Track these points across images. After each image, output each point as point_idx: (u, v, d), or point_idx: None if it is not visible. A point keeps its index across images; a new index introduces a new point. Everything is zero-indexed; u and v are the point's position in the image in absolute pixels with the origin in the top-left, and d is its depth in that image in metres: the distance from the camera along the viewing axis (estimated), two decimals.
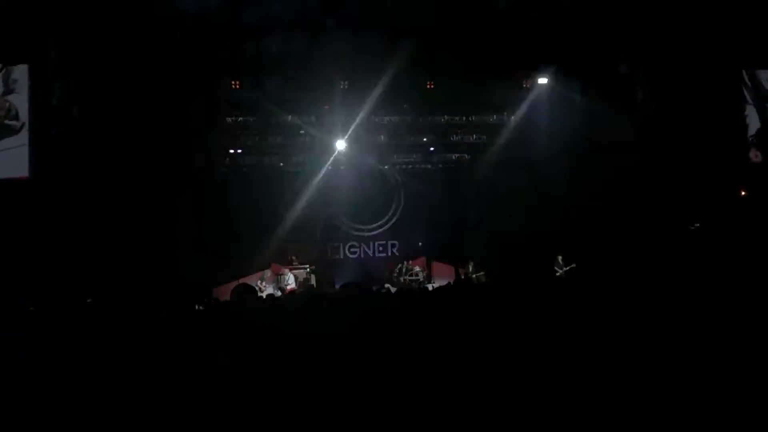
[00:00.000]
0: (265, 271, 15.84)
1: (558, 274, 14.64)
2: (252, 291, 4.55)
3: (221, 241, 16.22)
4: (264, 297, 8.70)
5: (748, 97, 13.21)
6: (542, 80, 14.98)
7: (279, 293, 14.62)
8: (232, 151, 16.52)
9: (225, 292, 11.83)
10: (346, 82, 14.40)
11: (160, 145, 13.84)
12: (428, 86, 15.18)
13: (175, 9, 13.74)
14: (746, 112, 13.28)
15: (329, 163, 17.55)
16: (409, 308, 5.00)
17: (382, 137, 16.89)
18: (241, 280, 13.61)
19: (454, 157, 17.94)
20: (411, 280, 16.52)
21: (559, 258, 15.11)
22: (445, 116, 17.02)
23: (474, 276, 15.62)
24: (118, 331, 4.11)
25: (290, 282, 15.77)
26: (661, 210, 12.70)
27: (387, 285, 15.13)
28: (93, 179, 11.57)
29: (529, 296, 4.40)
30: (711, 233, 11.35)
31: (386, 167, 18.14)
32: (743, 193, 12.56)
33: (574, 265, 14.61)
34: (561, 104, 15.42)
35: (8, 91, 11.71)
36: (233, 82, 13.84)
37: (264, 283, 15.52)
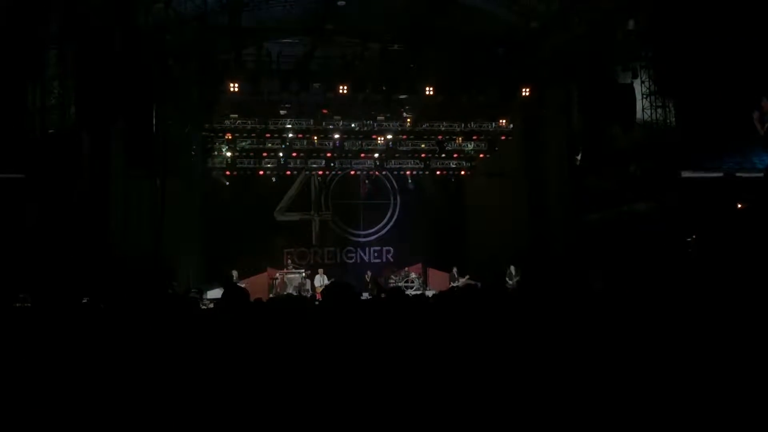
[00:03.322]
0: (233, 271, 14.73)
1: (509, 284, 14.46)
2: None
3: (215, 244, 16.18)
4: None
5: None
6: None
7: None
8: (229, 153, 16.45)
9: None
10: (345, 87, 14.32)
11: (156, 147, 13.77)
12: (427, 92, 15.05)
13: (175, 12, 13.76)
14: None
15: (326, 167, 17.55)
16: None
17: (380, 143, 16.81)
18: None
19: (452, 164, 17.95)
20: (407, 287, 16.43)
21: (512, 268, 15.14)
22: (444, 123, 17.03)
23: (459, 281, 15.52)
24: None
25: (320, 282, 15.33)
26: (659, 221, 12.64)
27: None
28: (81, 179, 11.48)
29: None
30: (708, 246, 11.32)
31: (383, 173, 18.11)
32: (740, 205, 12.50)
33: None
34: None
35: None
36: (232, 85, 13.74)
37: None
